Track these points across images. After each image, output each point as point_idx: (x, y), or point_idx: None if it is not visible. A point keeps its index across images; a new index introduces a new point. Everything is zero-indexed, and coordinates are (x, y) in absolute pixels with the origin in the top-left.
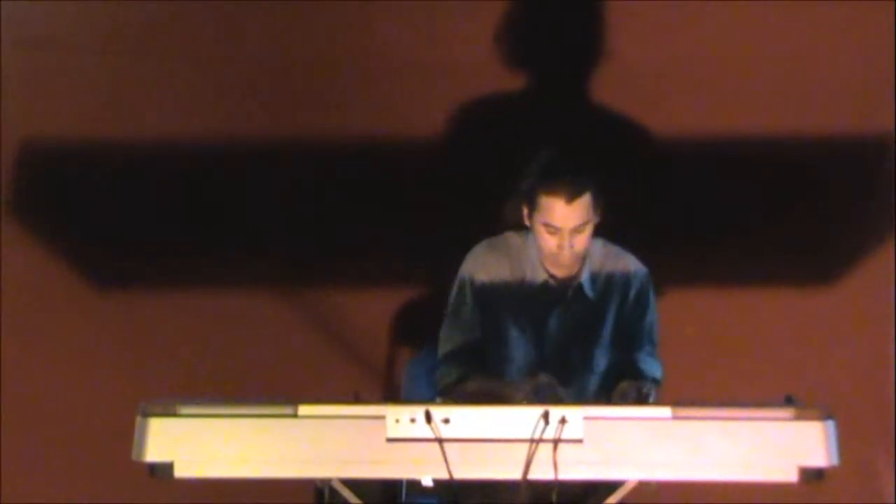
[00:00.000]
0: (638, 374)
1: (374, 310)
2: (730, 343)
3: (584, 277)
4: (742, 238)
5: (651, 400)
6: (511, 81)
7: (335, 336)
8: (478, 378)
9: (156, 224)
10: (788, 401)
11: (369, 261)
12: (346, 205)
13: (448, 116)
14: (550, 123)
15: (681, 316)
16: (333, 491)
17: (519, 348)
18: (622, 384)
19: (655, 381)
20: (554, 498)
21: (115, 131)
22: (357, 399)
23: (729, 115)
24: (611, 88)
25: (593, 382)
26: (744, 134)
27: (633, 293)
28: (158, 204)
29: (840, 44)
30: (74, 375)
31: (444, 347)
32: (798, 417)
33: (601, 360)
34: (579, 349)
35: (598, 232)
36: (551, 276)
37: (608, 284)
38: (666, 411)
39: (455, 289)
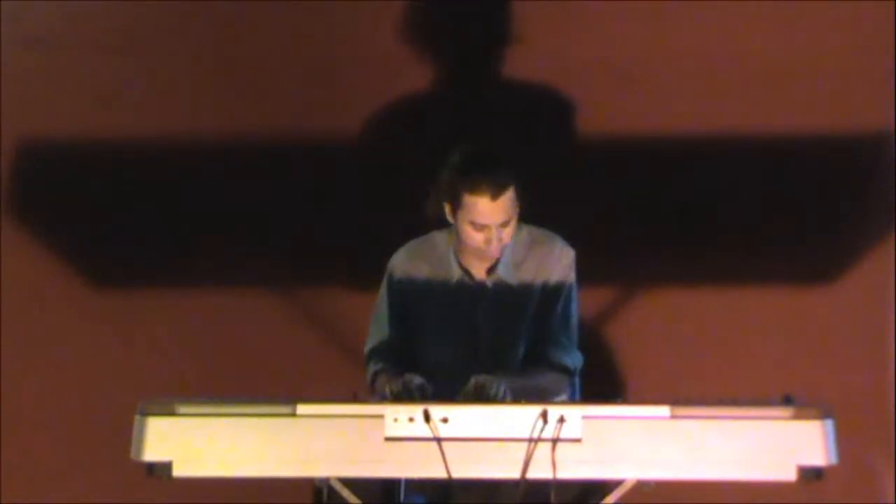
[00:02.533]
0: (542, 360)
1: (371, 308)
2: (727, 342)
3: (502, 267)
4: (740, 237)
5: (500, 398)
6: (513, 80)
7: (334, 335)
8: (384, 376)
9: (154, 223)
10: (787, 400)
11: (367, 260)
12: (343, 203)
13: (447, 116)
14: (551, 123)
15: (678, 315)
16: (332, 490)
17: (446, 347)
18: (472, 380)
19: (564, 370)
20: (552, 497)
21: (114, 130)
22: (355, 398)
23: (728, 113)
24: (614, 86)
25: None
26: (743, 132)
27: (554, 277)
28: (156, 203)
29: (840, 43)
30: (72, 375)
31: (367, 344)
32: (797, 417)
33: (522, 347)
34: (512, 340)
35: (589, 227)
36: (466, 272)
37: (533, 270)
38: (664, 410)
39: (380, 289)
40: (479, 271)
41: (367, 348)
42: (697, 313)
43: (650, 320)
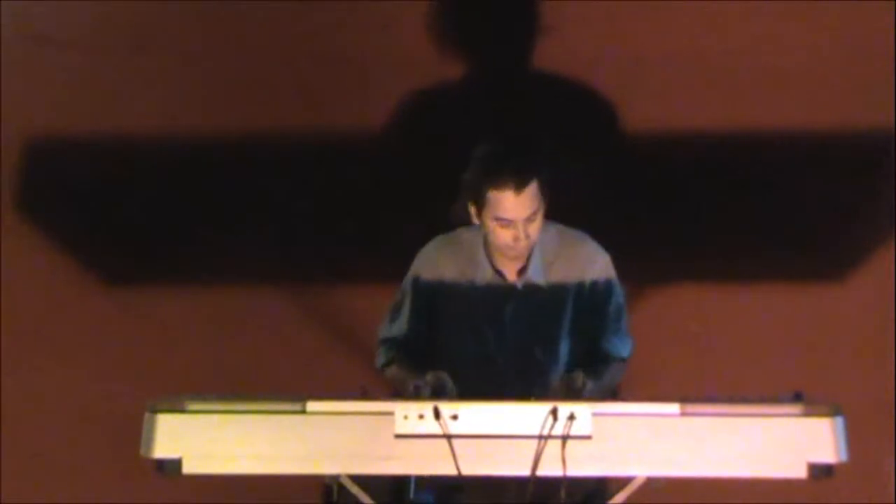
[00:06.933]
0: (602, 355)
1: (381, 305)
2: (735, 340)
3: (532, 268)
4: (746, 235)
5: (586, 392)
6: (516, 82)
7: (343, 332)
8: (395, 366)
9: (159, 221)
10: (797, 397)
11: (377, 256)
12: (353, 200)
13: (450, 116)
14: (559, 124)
15: (686, 313)
16: (342, 487)
17: (469, 346)
18: (556, 381)
19: (622, 360)
20: (563, 494)
21: (117, 128)
22: (365, 395)
23: (730, 112)
24: (619, 82)
25: (559, 373)
26: (746, 132)
27: (590, 278)
28: (162, 201)
29: (840, 43)
30: (81, 372)
31: (382, 332)
32: (807, 414)
33: (565, 350)
34: (543, 341)
35: (597, 224)
36: (498, 272)
37: (565, 271)
38: (674, 408)
39: (403, 282)
40: (510, 273)
41: (381, 335)
42: (706, 311)
43: (659, 318)
